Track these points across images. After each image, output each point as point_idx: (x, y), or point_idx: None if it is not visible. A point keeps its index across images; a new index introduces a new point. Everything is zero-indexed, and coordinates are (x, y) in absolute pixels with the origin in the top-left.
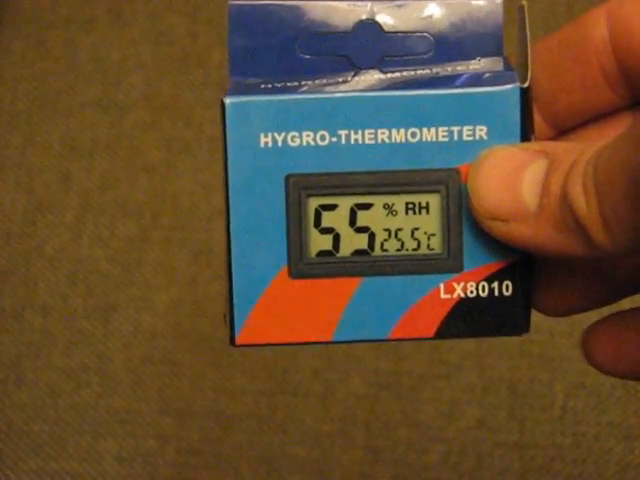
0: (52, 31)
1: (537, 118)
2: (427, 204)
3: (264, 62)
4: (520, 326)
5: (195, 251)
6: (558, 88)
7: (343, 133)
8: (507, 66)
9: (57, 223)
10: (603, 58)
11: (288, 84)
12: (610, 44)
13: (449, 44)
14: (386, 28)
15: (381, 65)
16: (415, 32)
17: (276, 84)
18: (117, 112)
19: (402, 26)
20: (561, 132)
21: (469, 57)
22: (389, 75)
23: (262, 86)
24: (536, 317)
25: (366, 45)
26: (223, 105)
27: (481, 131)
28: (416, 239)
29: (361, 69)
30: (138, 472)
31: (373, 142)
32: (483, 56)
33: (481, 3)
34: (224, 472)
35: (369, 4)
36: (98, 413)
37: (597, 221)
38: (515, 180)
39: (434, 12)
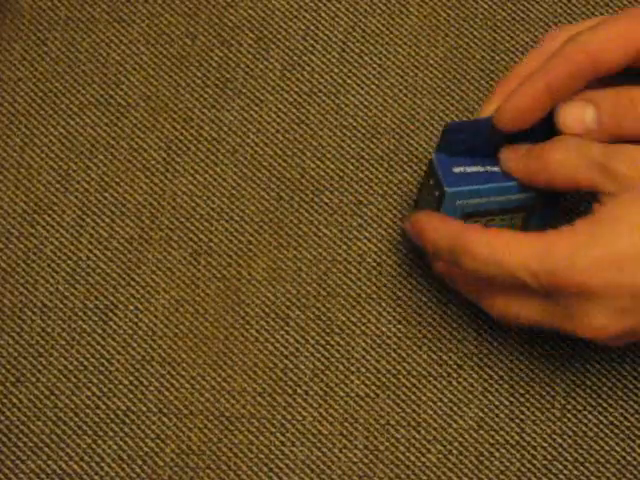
0: (52, 31)
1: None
2: (516, 217)
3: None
4: None
5: (195, 251)
6: None
7: (485, 198)
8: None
9: (57, 223)
10: None
11: (471, 170)
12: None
13: None
14: None
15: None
16: None
17: (467, 169)
18: (116, 112)
19: None
20: None
21: None
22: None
23: (458, 171)
24: None
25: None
26: (444, 191)
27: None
28: (514, 223)
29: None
30: (138, 472)
31: (495, 200)
32: None
33: None
34: (224, 472)
35: None
36: (97, 413)
37: None
38: None
39: None
